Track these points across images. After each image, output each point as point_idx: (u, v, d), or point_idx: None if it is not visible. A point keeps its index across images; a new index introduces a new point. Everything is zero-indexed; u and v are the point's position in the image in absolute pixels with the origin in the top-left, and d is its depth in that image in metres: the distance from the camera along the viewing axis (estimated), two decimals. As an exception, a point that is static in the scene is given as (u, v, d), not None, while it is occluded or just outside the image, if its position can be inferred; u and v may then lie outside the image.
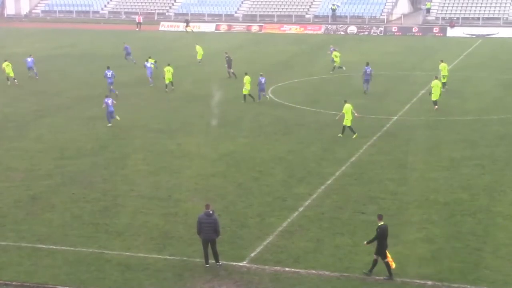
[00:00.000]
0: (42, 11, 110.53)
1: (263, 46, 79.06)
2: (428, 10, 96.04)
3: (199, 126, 41.87)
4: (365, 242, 22.98)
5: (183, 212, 27.90)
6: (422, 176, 32.11)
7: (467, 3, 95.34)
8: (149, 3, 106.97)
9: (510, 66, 62.73)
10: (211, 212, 23.08)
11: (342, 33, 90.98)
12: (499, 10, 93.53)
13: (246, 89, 47.64)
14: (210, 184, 31.47)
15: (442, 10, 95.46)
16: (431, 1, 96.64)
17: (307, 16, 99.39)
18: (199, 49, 66.43)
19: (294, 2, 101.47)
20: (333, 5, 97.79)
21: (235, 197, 29.65)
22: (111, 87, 49.72)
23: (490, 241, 25.08)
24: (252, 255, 24.01)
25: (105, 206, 28.70)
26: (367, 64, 51.02)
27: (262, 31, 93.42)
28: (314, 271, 22.84)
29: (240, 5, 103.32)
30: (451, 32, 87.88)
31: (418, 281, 22.10)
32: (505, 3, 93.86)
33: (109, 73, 50.44)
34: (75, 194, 30.02)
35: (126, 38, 78.51)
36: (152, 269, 23.10)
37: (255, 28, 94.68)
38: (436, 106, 44.91)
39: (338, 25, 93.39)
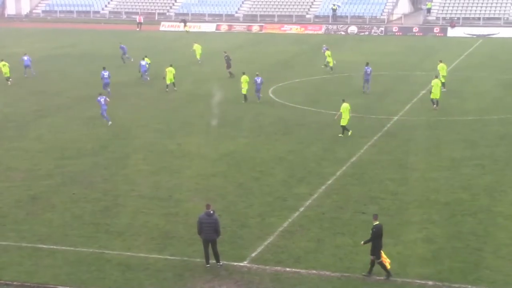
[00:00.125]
0: (43, 11, 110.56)
1: (264, 46, 79.07)
2: (428, 10, 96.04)
3: (200, 126, 41.87)
4: (362, 242, 22.98)
5: (183, 212, 27.90)
6: (422, 176, 32.11)
7: (468, 3, 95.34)
8: (150, 3, 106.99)
9: (510, 66, 62.70)
10: (211, 212, 23.08)
11: (342, 33, 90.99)
12: (499, 10, 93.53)
13: (244, 88, 47.69)
14: (211, 184, 31.47)
15: (442, 10, 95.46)
16: (431, 1, 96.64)
17: (307, 16, 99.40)
18: (197, 47, 66.50)
19: (295, 2, 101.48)
20: (334, 5, 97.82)
21: (235, 197, 29.65)
22: (108, 89, 49.69)
23: (490, 241, 25.07)
24: (253, 255, 24.01)
25: (106, 206, 28.70)
26: (367, 64, 51.03)
27: (263, 31, 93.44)
28: (314, 271, 22.83)
29: (240, 5, 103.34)
30: (452, 32, 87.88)
31: (418, 281, 22.09)
32: (506, 3, 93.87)
33: (106, 74, 50.42)
34: (76, 194, 30.03)
35: (127, 38, 78.63)
36: (152, 269, 23.10)
37: (255, 28, 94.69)
38: (434, 105, 44.92)
39: (338, 25, 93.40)
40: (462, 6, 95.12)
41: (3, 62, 55.79)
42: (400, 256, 23.69)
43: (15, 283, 22.29)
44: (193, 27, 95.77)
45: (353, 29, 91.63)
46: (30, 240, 25.35)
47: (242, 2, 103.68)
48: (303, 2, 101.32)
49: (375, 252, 22.26)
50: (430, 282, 22.01)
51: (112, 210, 28.34)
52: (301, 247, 24.63)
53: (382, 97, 49.77)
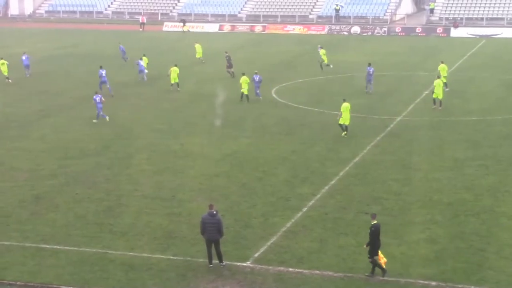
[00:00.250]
0: (46, 11, 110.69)
1: (266, 46, 79.06)
2: (431, 11, 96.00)
3: (202, 126, 41.88)
4: (365, 245, 22.88)
5: (186, 212, 27.91)
6: (425, 177, 32.08)
7: (471, 4, 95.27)
8: (153, 3, 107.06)
9: (513, 66, 62.70)
10: (214, 212, 23.07)
11: (345, 33, 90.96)
12: (502, 11, 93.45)
13: (244, 89, 47.71)
14: (214, 184, 31.47)
15: (445, 11, 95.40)
16: (434, 2, 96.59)
17: (310, 16, 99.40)
18: (197, 47, 66.62)
19: (298, 3, 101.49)
20: (337, 5, 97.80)
21: (238, 197, 29.64)
22: (108, 86, 49.97)
23: (494, 241, 25.03)
24: (256, 255, 24.00)
25: (109, 206, 28.71)
26: (369, 64, 51.02)
27: (266, 32, 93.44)
28: (317, 272, 22.82)
29: (243, 6, 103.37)
30: (455, 33, 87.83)
31: (421, 281, 22.06)
32: (509, 4, 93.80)
33: (103, 72, 50.58)
34: (79, 194, 30.05)
35: (130, 39, 78.74)
36: (155, 269, 23.10)
37: (258, 28, 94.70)
38: (434, 105, 44.91)
39: (341, 26, 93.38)
40: (465, 7, 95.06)
41: (2, 61, 55.93)
42: (403, 257, 23.68)
43: (18, 283, 22.31)
44: (196, 27, 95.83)
45: (356, 29, 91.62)
46: (34, 240, 25.37)
47: (245, 3, 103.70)
48: (306, 3, 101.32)
49: (373, 251, 22.20)
50: (433, 283, 21.98)
51: (115, 210, 28.35)
52: (304, 247, 24.62)
53: (385, 98, 49.75)
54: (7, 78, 55.47)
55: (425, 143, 37.69)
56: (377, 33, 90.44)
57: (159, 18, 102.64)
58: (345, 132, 38.75)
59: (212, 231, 22.91)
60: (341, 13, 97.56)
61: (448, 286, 21.85)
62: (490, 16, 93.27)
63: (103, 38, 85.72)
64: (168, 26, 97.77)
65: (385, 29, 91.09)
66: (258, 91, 48.57)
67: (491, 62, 65.89)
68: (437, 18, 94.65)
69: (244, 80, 47.90)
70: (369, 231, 22.51)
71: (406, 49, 75.44)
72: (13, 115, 45.28)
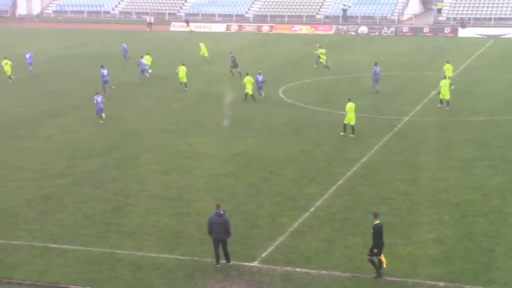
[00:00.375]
0: (54, 11, 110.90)
1: (274, 46, 79.03)
2: (439, 11, 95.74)
3: (210, 126, 41.90)
4: (375, 250, 22.71)
5: (194, 212, 27.92)
6: (433, 177, 32.01)
7: (479, 4, 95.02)
8: (160, 3, 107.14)
9: (521, 66, 62.52)
10: (222, 212, 23.08)
11: (353, 33, 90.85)
12: (510, 11, 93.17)
13: (249, 88, 47.77)
14: (221, 184, 31.48)
15: (453, 11, 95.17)
16: (442, 2, 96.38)
17: (317, 16, 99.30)
18: (202, 46, 66.81)
19: (305, 3, 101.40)
20: (344, 5, 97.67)
21: (246, 197, 29.64)
22: (109, 84, 50.20)
23: (502, 242, 24.96)
24: (263, 255, 24.00)
25: (116, 206, 28.76)
26: (376, 63, 50.98)
27: (273, 32, 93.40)
28: (325, 272, 22.81)
29: (250, 6, 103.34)
30: (463, 33, 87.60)
31: (429, 282, 22.02)
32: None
33: (105, 72, 50.75)
34: (87, 194, 30.11)
35: (137, 39, 78.83)
36: (163, 268, 23.13)
37: (265, 28, 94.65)
38: (440, 105, 44.85)
39: (349, 26, 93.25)
40: (473, 7, 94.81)
41: (6, 61, 56.15)
42: (411, 257, 23.64)
43: (26, 282, 22.38)
44: (203, 27, 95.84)
45: (363, 29, 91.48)
46: (42, 240, 25.44)
47: (252, 3, 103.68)
48: (313, 3, 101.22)
49: (376, 251, 22.14)
50: (441, 283, 21.94)
51: (123, 210, 28.40)
52: (312, 247, 24.60)
53: (392, 98, 49.67)
54: (10, 77, 55.74)
55: (433, 143, 37.62)
56: (385, 33, 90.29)
57: (167, 18, 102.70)
58: (344, 132, 38.68)
59: (219, 231, 22.92)
60: (349, 13, 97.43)
61: (456, 286, 21.80)
62: (498, 16, 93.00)
63: (111, 38, 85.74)
64: (176, 26, 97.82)
65: (393, 29, 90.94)
66: (260, 91, 48.64)
67: (499, 62, 65.69)
68: (445, 18, 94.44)
69: (248, 80, 47.98)
70: (372, 231, 22.45)
71: (414, 49, 75.27)
72: (21, 115, 45.38)
